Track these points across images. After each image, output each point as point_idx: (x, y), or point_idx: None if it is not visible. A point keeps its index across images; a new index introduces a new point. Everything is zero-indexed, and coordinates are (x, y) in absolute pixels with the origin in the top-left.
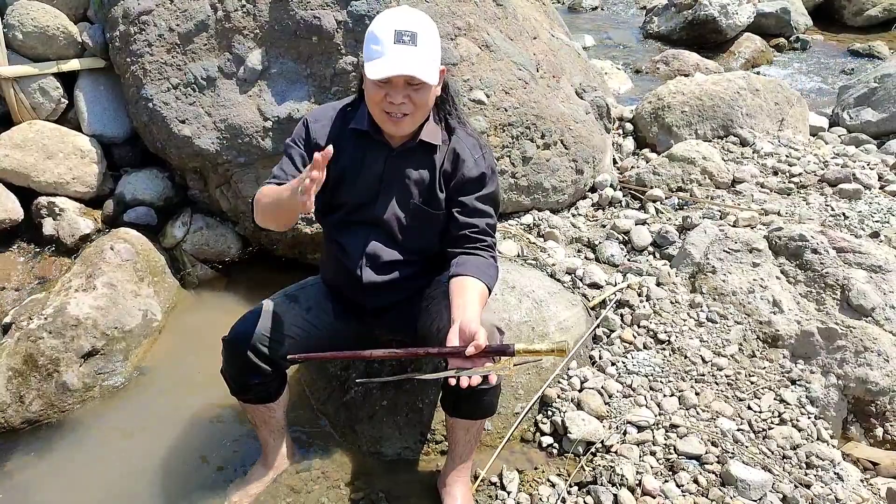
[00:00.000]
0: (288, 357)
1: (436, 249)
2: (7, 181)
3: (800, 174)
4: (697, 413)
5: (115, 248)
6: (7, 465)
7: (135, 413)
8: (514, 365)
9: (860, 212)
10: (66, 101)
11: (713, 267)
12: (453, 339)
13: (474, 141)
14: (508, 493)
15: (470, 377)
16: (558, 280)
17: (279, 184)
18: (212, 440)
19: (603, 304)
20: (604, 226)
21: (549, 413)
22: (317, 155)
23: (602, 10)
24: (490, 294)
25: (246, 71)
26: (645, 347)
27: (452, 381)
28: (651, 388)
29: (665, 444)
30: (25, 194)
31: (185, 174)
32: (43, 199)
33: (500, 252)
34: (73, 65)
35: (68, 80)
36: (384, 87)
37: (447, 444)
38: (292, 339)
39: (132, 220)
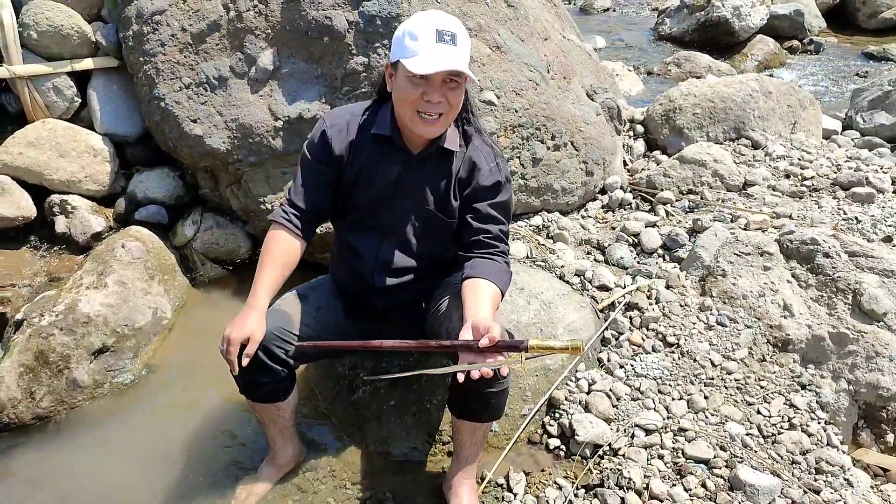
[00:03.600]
0: (297, 344)
1: (448, 255)
2: (20, 179)
3: (812, 177)
4: (706, 417)
5: (127, 246)
6: (17, 459)
7: (144, 410)
8: (526, 359)
9: (873, 216)
10: (80, 100)
11: (723, 270)
12: (466, 336)
13: (490, 149)
14: (515, 494)
15: (481, 369)
16: (567, 282)
17: (294, 208)
18: (220, 439)
19: (612, 306)
20: (613, 228)
21: (557, 415)
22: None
23: (614, 11)
24: (502, 298)
25: (257, 71)
26: (654, 350)
27: (461, 377)
28: (659, 392)
29: (673, 448)
30: (38, 192)
31: (197, 173)
32: (55, 197)
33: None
34: (87, 64)
35: (82, 80)
36: (422, 86)
37: (453, 445)
38: (302, 339)
39: (143, 219)
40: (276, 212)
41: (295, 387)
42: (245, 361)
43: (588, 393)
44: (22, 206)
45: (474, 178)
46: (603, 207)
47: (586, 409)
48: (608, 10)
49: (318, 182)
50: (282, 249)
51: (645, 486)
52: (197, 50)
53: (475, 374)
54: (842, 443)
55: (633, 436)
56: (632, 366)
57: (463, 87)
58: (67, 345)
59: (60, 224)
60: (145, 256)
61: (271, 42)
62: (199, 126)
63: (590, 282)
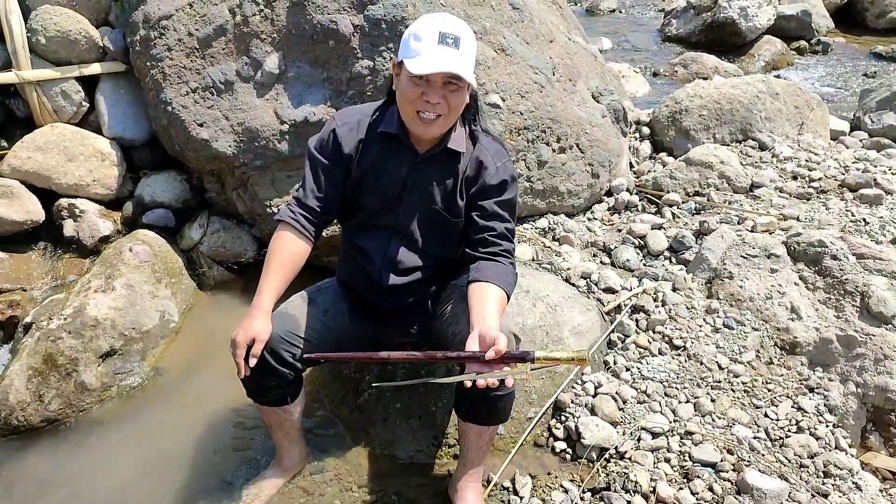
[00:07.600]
0: (304, 357)
1: (455, 256)
2: (29, 183)
3: (819, 179)
4: (713, 420)
5: (134, 249)
6: (26, 462)
7: (151, 413)
8: (532, 370)
9: (881, 217)
10: (88, 105)
11: (730, 272)
12: (472, 346)
13: (498, 147)
14: (521, 498)
15: (486, 379)
16: (573, 285)
17: (302, 207)
18: (227, 442)
19: (618, 309)
20: (619, 230)
21: (563, 418)
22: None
23: (620, 12)
24: (508, 301)
25: (263, 75)
26: (660, 353)
27: (468, 384)
28: (666, 395)
29: (680, 451)
30: (47, 196)
31: (203, 177)
32: (64, 201)
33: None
34: (95, 69)
35: (89, 84)
36: (422, 86)
37: (459, 448)
38: (309, 342)
39: (151, 222)
40: (282, 211)
41: (302, 390)
42: (252, 362)
43: (594, 396)
44: (30, 210)
45: (481, 176)
46: (609, 210)
47: (592, 411)
48: (614, 11)
49: (327, 181)
50: (288, 251)
51: (651, 489)
52: (203, 54)
53: (481, 384)
54: (850, 446)
55: (639, 439)
56: (638, 368)
57: (464, 91)
58: (75, 348)
59: (68, 228)
60: (153, 260)
61: (277, 46)
62: (205, 130)
63: (596, 284)
